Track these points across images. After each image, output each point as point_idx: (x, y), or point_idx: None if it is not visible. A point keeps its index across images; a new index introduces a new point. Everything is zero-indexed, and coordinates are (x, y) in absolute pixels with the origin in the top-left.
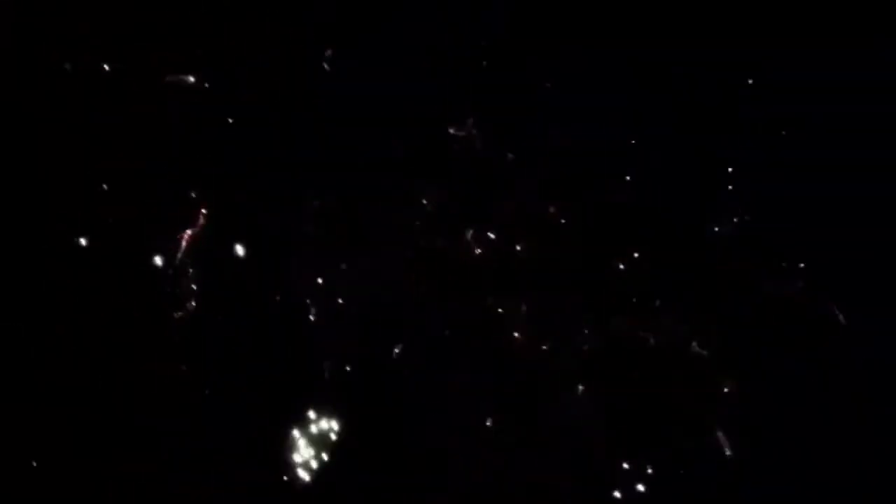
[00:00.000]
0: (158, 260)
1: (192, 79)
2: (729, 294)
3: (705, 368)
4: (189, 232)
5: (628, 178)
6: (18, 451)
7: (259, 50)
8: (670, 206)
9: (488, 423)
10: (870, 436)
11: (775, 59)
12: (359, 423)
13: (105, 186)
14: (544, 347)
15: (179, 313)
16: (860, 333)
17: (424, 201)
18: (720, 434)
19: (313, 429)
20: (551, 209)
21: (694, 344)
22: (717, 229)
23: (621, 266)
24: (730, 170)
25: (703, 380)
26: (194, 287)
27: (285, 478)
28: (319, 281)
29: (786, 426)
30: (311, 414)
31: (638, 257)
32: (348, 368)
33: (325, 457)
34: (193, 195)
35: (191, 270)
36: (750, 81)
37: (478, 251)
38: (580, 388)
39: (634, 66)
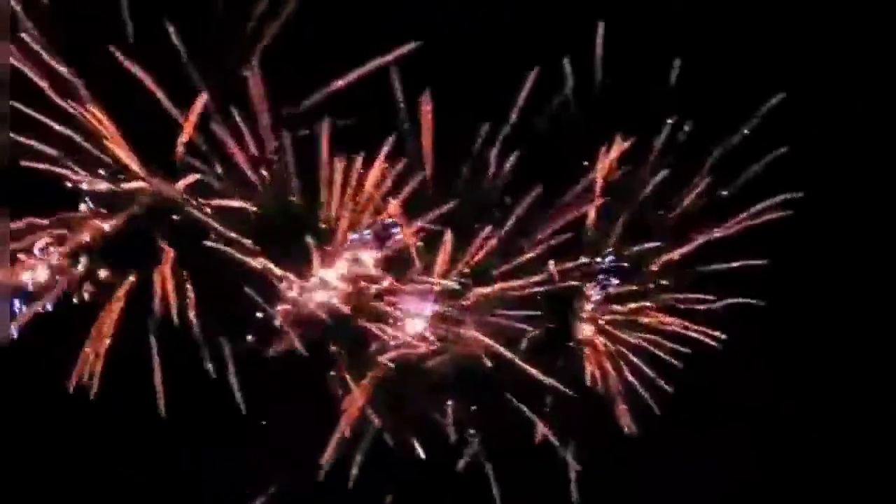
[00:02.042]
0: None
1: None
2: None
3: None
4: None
5: (629, 176)
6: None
7: (259, 50)
8: (673, 203)
9: None
10: None
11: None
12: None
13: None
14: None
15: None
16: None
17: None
18: None
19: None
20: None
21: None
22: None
23: (625, 261)
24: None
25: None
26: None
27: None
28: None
29: None
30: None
31: (639, 256)
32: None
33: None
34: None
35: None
36: (751, 81)
37: (486, 248)
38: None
39: (635, 66)
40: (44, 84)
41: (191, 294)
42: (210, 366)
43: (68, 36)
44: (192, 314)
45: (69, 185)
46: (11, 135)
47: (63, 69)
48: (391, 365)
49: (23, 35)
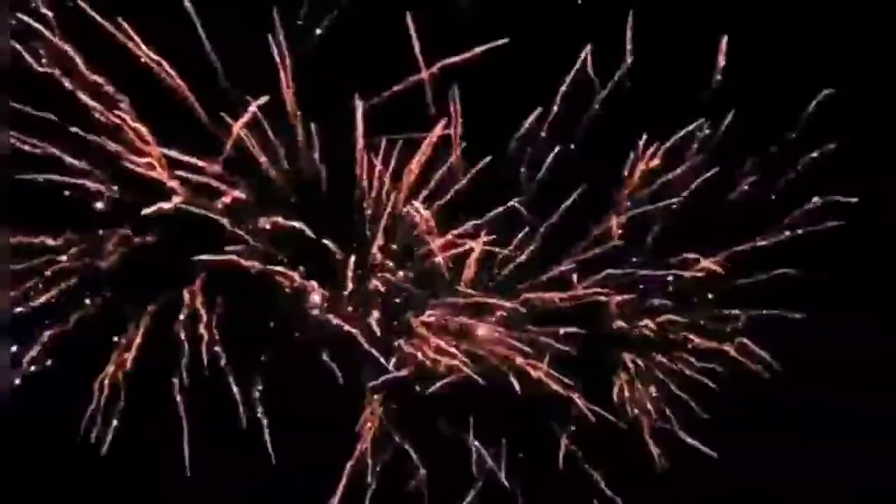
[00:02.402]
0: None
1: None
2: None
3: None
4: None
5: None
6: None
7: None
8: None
9: None
10: None
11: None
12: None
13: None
14: None
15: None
16: None
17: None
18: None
19: None
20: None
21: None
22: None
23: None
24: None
25: None
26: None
27: None
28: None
29: None
30: None
31: (672, 267)
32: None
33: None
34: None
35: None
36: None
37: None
38: None
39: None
40: (76, 91)
41: (219, 310)
42: (236, 389)
43: (97, 40)
44: (216, 332)
45: (94, 201)
46: (36, 143)
47: (110, 88)
48: (417, 388)
49: (55, 40)
